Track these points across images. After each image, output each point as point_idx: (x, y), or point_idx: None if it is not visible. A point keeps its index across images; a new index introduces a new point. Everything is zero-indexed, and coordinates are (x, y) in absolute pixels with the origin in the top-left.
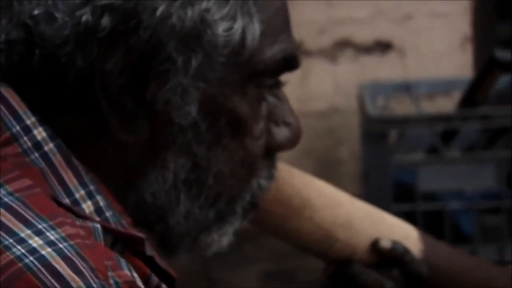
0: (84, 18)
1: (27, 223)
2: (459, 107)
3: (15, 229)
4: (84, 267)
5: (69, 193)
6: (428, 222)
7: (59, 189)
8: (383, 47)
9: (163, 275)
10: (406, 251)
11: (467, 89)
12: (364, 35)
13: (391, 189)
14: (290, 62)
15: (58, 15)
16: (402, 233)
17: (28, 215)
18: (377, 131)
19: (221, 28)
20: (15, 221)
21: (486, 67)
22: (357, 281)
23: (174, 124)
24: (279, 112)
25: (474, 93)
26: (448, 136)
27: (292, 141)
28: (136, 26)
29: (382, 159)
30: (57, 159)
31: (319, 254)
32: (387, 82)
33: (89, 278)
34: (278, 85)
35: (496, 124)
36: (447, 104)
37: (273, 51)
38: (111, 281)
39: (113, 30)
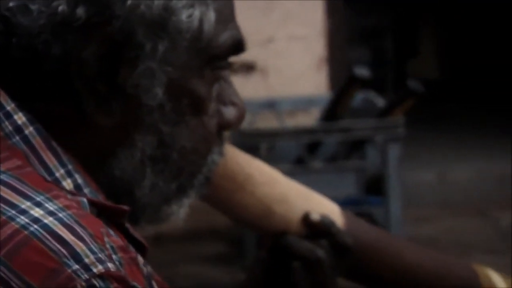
0: (60, 8)
1: (26, 197)
2: (321, 121)
3: (15, 202)
4: (84, 233)
5: (50, 172)
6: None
7: (40, 169)
8: (247, 68)
9: (137, 245)
10: (332, 223)
11: (329, 104)
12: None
13: None
14: (239, 47)
15: (33, 6)
16: (328, 208)
17: (25, 189)
18: (249, 144)
19: (183, 15)
20: (14, 195)
21: (346, 84)
22: (292, 250)
23: (143, 105)
24: (227, 93)
25: (335, 108)
26: (312, 148)
27: (239, 119)
28: (109, 15)
29: None
30: (37, 142)
31: (258, 227)
32: (252, 100)
33: (90, 243)
34: (227, 68)
35: (354, 136)
36: (307, 120)
37: (225, 37)
38: (108, 246)
39: (88, 19)
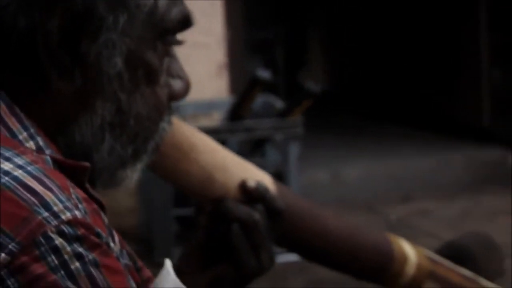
0: None
1: None
2: (227, 121)
3: None
4: (51, 184)
5: (13, 135)
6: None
7: (5, 132)
8: None
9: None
10: (267, 189)
11: (232, 105)
12: None
13: (172, 196)
14: (187, 21)
15: None
16: (262, 177)
17: None
18: None
19: None
20: None
21: (248, 85)
22: (231, 214)
23: (103, 74)
24: (174, 67)
25: (238, 109)
26: None
27: (185, 91)
28: None
29: None
30: (2, 108)
31: (200, 193)
32: None
33: (57, 193)
34: (175, 44)
35: (256, 136)
36: (209, 123)
37: (175, 12)
38: (73, 196)
39: None
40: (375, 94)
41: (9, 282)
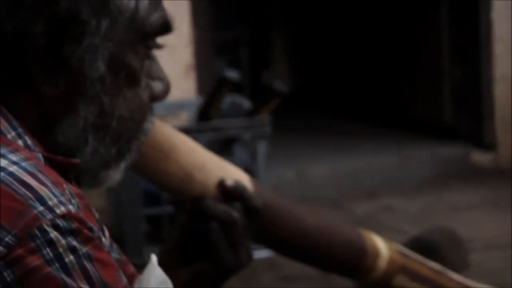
0: None
1: None
2: (196, 121)
3: None
4: (46, 180)
5: (2, 134)
6: (172, 223)
7: None
8: None
9: None
10: (244, 188)
11: (201, 105)
12: None
13: (141, 196)
14: (168, 26)
15: None
16: (240, 176)
17: None
18: None
19: None
20: None
21: (216, 85)
22: (210, 212)
23: (86, 77)
24: (154, 69)
25: (207, 109)
26: None
27: (165, 93)
28: None
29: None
30: None
31: (179, 192)
32: None
33: (52, 188)
34: (155, 47)
35: (225, 135)
36: (177, 123)
37: (156, 17)
38: (67, 191)
39: (38, 0)
40: (338, 93)
41: (5, 274)
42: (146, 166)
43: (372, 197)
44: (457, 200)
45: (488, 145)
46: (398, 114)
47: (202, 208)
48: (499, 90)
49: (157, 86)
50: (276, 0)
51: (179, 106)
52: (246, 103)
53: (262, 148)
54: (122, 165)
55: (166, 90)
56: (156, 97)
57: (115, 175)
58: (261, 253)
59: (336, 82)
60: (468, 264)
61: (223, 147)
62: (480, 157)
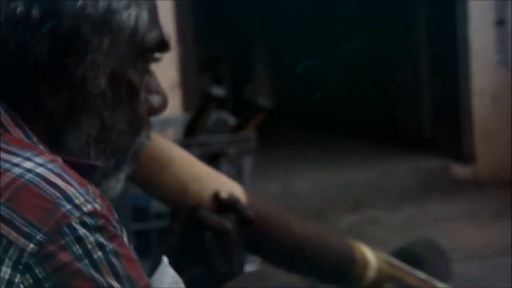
0: (18, 10)
1: (15, 154)
2: (183, 137)
3: (7, 158)
4: (71, 180)
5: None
6: (160, 237)
7: (21, 136)
8: None
9: None
10: (238, 200)
11: (188, 122)
12: None
13: (129, 211)
14: (165, 44)
15: None
16: (234, 187)
17: (13, 149)
18: None
19: (124, 15)
20: (4, 154)
21: (203, 102)
22: (204, 223)
23: (88, 93)
24: (152, 83)
25: (194, 125)
26: None
27: (163, 106)
28: (60, 15)
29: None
30: (5, 120)
31: (176, 203)
32: None
33: (77, 187)
34: (154, 62)
35: (211, 150)
36: None
37: (155, 33)
38: (90, 191)
39: (41, 19)
40: (320, 108)
41: (37, 271)
42: (144, 177)
43: (356, 209)
44: (439, 211)
45: (467, 158)
46: (380, 127)
47: (197, 218)
48: (477, 104)
49: (155, 99)
50: (258, 17)
51: (165, 123)
52: (231, 119)
53: (247, 163)
54: (122, 176)
55: (164, 103)
56: (155, 111)
57: (117, 185)
58: (248, 267)
59: (317, 98)
60: (451, 274)
61: (209, 162)
62: (460, 170)
